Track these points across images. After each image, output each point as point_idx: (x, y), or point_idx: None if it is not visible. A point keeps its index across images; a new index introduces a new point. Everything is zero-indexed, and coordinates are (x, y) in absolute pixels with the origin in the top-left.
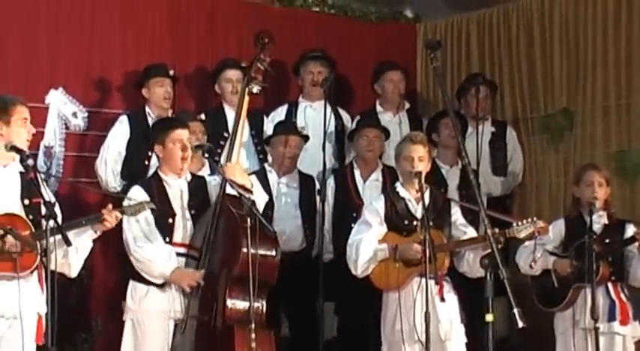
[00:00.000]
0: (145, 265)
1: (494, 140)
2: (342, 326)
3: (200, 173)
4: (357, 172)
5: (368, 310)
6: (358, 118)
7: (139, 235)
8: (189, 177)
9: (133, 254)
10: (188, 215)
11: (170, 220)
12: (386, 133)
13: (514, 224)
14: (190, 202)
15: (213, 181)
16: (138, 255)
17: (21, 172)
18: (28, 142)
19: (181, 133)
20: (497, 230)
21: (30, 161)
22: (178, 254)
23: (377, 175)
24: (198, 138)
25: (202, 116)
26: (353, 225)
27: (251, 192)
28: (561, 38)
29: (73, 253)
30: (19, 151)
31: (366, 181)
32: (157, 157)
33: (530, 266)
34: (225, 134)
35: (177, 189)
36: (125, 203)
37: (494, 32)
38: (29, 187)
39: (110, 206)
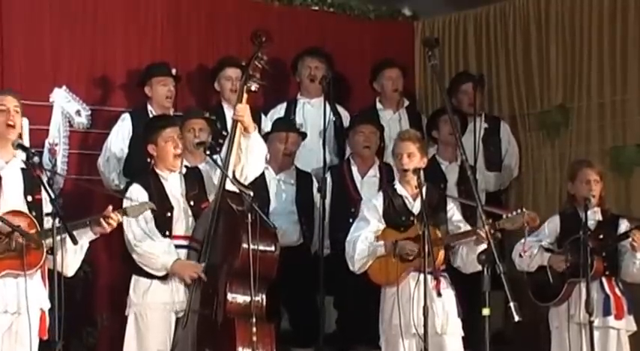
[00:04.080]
0: (146, 259)
1: (488, 136)
2: (341, 320)
3: None
4: (354, 169)
5: (366, 304)
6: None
7: (139, 233)
8: (184, 170)
9: (134, 250)
10: (187, 208)
11: (168, 214)
12: (381, 128)
13: (504, 216)
14: (188, 195)
15: (206, 166)
16: (139, 249)
17: (22, 168)
18: (9, 126)
19: (172, 131)
20: (490, 221)
21: (36, 159)
22: (180, 246)
23: (374, 171)
24: (196, 135)
25: (207, 114)
26: (351, 220)
27: (250, 188)
28: (557, 36)
29: (72, 253)
30: (25, 149)
31: (364, 177)
32: (151, 155)
33: (520, 255)
34: (224, 132)
35: (173, 183)
36: (126, 203)
37: (491, 30)
38: (31, 183)
39: (110, 208)
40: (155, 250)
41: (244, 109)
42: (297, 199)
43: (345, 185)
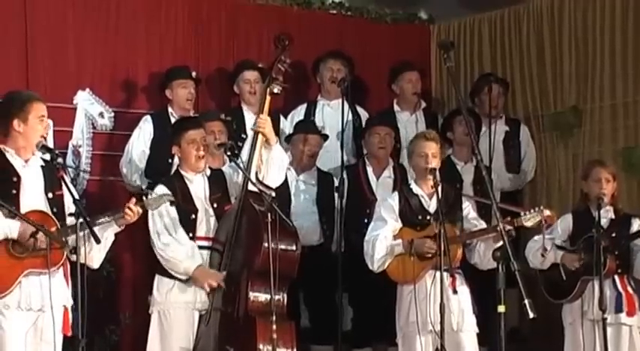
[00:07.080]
0: (170, 263)
1: (508, 138)
2: (356, 317)
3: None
4: (369, 169)
5: (381, 302)
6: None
7: (163, 230)
8: (208, 172)
9: (159, 253)
10: (211, 209)
11: (193, 216)
12: (396, 130)
13: (522, 213)
14: (212, 197)
15: (229, 169)
16: (164, 253)
17: (42, 166)
18: (43, 137)
19: (195, 134)
20: (508, 218)
21: (60, 160)
22: (203, 247)
23: (389, 172)
24: (217, 137)
25: (222, 115)
26: (365, 220)
27: (271, 189)
28: (570, 38)
29: (96, 247)
30: (49, 150)
31: (379, 178)
32: (176, 156)
33: (542, 255)
34: (244, 134)
35: (198, 185)
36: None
37: (506, 33)
38: (52, 180)
39: (134, 200)
40: (178, 254)
41: (265, 122)
42: (318, 200)
43: (360, 186)
